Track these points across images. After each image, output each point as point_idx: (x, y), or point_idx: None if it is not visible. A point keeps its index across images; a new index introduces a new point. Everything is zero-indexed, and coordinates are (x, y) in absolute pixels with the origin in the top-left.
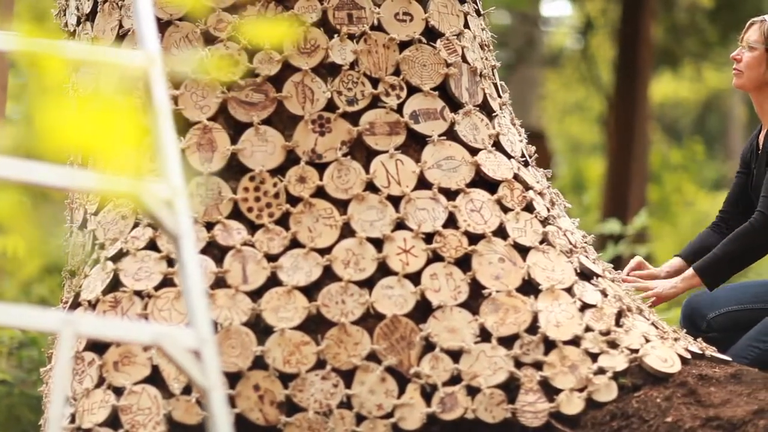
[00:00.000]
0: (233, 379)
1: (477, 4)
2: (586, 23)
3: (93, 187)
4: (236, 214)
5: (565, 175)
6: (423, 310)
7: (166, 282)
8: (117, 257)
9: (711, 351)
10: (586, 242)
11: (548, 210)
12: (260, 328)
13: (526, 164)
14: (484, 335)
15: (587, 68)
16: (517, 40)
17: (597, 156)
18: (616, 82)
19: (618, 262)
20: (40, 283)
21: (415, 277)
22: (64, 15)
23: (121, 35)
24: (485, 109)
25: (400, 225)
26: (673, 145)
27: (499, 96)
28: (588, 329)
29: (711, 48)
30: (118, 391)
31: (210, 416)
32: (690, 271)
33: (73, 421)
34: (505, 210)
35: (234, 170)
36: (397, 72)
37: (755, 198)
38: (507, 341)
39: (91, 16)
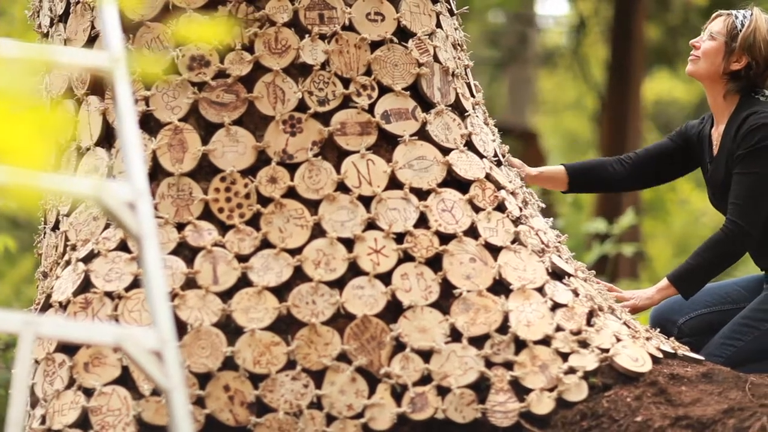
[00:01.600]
0: (203, 379)
1: (450, 4)
2: (579, 22)
3: (54, 188)
4: (207, 214)
5: None
6: (394, 310)
7: (137, 283)
8: (88, 258)
9: (683, 350)
10: (559, 242)
11: (521, 209)
12: (230, 329)
13: (498, 164)
14: (455, 335)
15: (580, 67)
16: (509, 39)
17: (593, 154)
18: (609, 81)
19: (604, 262)
20: (31, 285)
21: (385, 277)
22: (38, 16)
23: (93, 37)
24: (457, 108)
25: (371, 225)
26: None
27: (473, 95)
28: (559, 329)
29: None
30: (89, 393)
31: (171, 417)
32: (664, 281)
33: (43, 422)
34: (477, 210)
35: (205, 171)
36: (368, 72)
37: (711, 188)
38: (478, 341)
39: (64, 18)
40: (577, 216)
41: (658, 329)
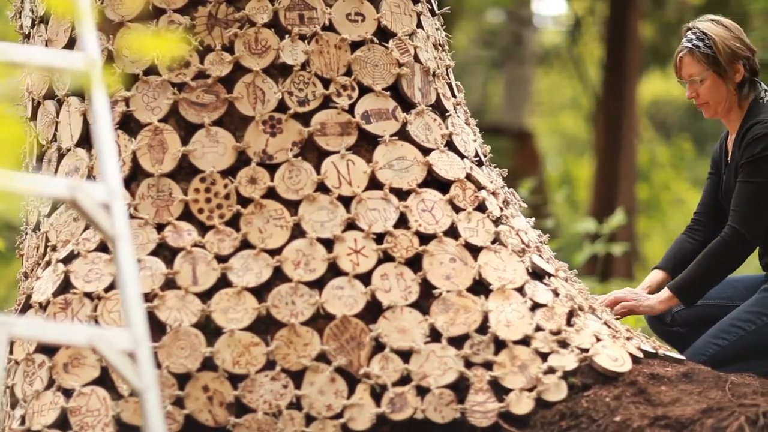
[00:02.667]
0: (182, 380)
1: (431, 4)
2: (575, 22)
3: (29, 189)
4: (187, 215)
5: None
6: (373, 311)
7: (116, 285)
8: (68, 259)
9: (664, 350)
10: (541, 241)
11: (501, 209)
12: (210, 330)
13: (480, 164)
14: (435, 335)
15: (575, 67)
16: (504, 39)
17: (590, 155)
18: (605, 80)
19: (594, 261)
20: None
21: (365, 278)
22: (20, 17)
23: (74, 38)
24: (438, 108)
25: (351, 225)
26: (664, 143)
27: (454, 96)
28: (538, 329)
29: None
30: (68, 393)
31: (145, 417)
32: (667, 291)
33: (23, 422)
34: (457, 210)
35: (185, 171)
36: (348, 72)
37: (726, 204)
38: (457, 341)
39: (45, 19)
40: (573, 216)
41: (653, 316)
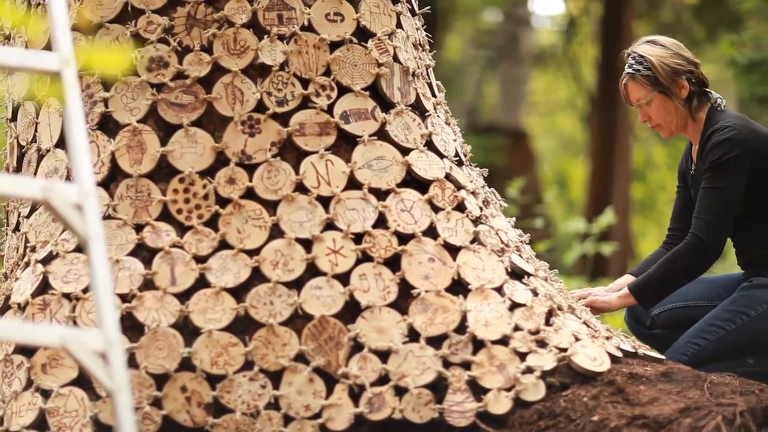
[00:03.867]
0: (160, 380)
1: (412, 4)
2: (569, 22)
3: (4, 190)
4: (166, 215)
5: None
6: (352, 311)
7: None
8: (47, 260)
9: (644, 350)
10: (522, 241)
11: (481, 209)
12: (188, 330)
13: (460, 163)
14: (413, 335)
15: (570, 67)
16: (499, 39)
17: (585, 155)
18: (599, 80)
19: (598, 262)
20: None
21: (344, 278)
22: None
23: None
24: (418, 108)
25: (329, 225)
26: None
27: (434, 95)
28: (517, 328)
29: (698, 45)
30: (46, 394)
31: (116, 418)
32: (625, 290)
33: (1, 423)
34: (436, 209)
35: (164, 172)
36: (327, 72)
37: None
38: (435, 341)
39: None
40: (569, 215)
41: (633, 318)
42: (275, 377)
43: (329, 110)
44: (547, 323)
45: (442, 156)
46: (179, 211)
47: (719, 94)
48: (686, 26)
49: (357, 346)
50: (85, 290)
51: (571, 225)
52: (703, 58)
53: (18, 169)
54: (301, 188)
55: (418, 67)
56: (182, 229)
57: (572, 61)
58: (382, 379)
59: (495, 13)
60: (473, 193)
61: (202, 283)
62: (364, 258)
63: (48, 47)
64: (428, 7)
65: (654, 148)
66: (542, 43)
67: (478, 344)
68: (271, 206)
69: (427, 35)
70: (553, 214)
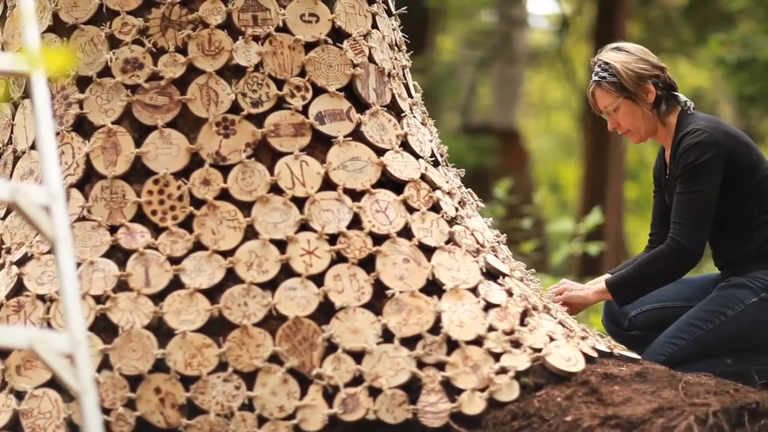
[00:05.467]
0: (134, 382)
1: (388, 5)
2: (562, 22)
3: None
4: (140, 217)
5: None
6: (326, 312)
7: None
8: (22, 261)
9: (620, 350)
10: (498, 241)
11: (457, 210)
12: (162, 331)
13: (436, 164)
14: (387, 336)
15: (563, 66)
16: (494, 39)
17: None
18: None
19: (593, 261)
20: None
21: (318, 279)
22: None
23: None
24: (393, 109)
25: (304, 226)
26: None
27: (410, 96)
28: (491, 329)
29: (687, 45)
30: (20, 395)
31: (82, 419)
32: (602, 284)
33: None
34: (411, 210)
35: (138, 173)
36: (302, 73)
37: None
38: (410, 342)
39: (1, 21)
40: (563, 215)
41: (611, 320)
42: (249, 378)
43: (304, 111)
44: (522, 323)
45: (417, 156)
46: (154, 213)
47: (686, 96)
48: (675, 26)
49: (331, 347)
50: (59, 292)
51: (558, 225)
52: (694, 59)
53: None
54: (275, 189)
55: (394, 68)
56: (157, 230)
57: (566, 60)
58: (357, 380)
59: (490, 14)
60: (449, 193)
61: (176, 284)
62: (339, 259)
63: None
64: (404, 8)
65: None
66: (537, 42)
67: (452, 345)
68: (246, 207)
69: (417, 36)
70: (547, 214)
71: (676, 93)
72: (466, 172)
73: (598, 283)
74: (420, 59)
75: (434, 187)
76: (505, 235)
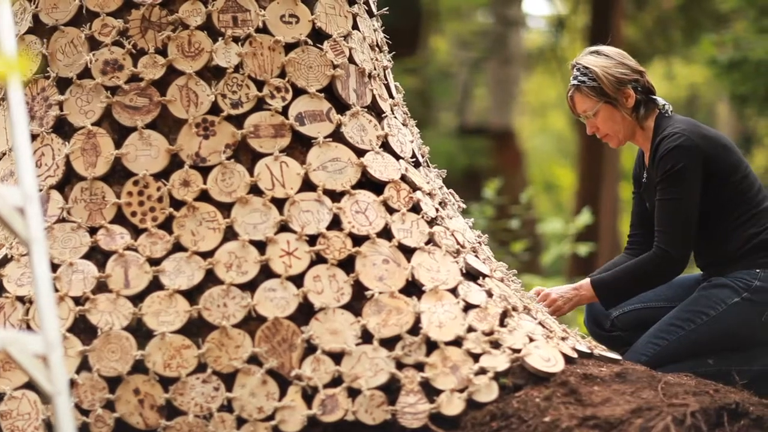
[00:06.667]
0: (113, 383)
1: (369, 5)
2: (557, 22)
3: None
4: (120, 218)
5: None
6: (305, 312)
7: None
8: (1, 263)
9: (600, 350)
10: (480, 242)
11: (437, 210)
12: (141, 333)
13: (417, 165)
14: (366, 337)
15: (558, 67)
16: (488, 39)
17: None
18: None
19: (587, 261)
20: None
21: (298, 280)
22: None
23: None
24: (374, 110)
25: (284, 227)
26: None
27: (391, 97)
28: (471, 329)
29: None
30: None
31: (56, 421)
32: (587, 281)
33: None
34: (391, 211)
35: (118, 175)
36: (282, 74)
37: (651, 213)
38: (389, 342)
39: None
40: (558, 216)
41: (593, 321)
42: (228, 379)
43: (284, 112)
44: (502, 324)
45: (398, 157)
46: (133, 214)
47: (665, 100)
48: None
49: (310, 348)
50: None
51: (549, 225)
52: (689, 59)
53: None
54: (255, 190)
55: (375, 69)
56: (136, 231)
57: (561, 60)
58: (336, 381)
59: (486, 14)
60: (429, 194)
61: (155, 285)
62: (318, 260)
63: None
64: (386, 8)
65: None
66: (532, 43)
67: (431, 345)
68: (226, 208)
69: (410, 37)
70: (542, 214)
71: (654, 97)
72: (460, 173)
73: (583, 282)
74: (413, 60)
75: (414, 187)
76: (486, 236)
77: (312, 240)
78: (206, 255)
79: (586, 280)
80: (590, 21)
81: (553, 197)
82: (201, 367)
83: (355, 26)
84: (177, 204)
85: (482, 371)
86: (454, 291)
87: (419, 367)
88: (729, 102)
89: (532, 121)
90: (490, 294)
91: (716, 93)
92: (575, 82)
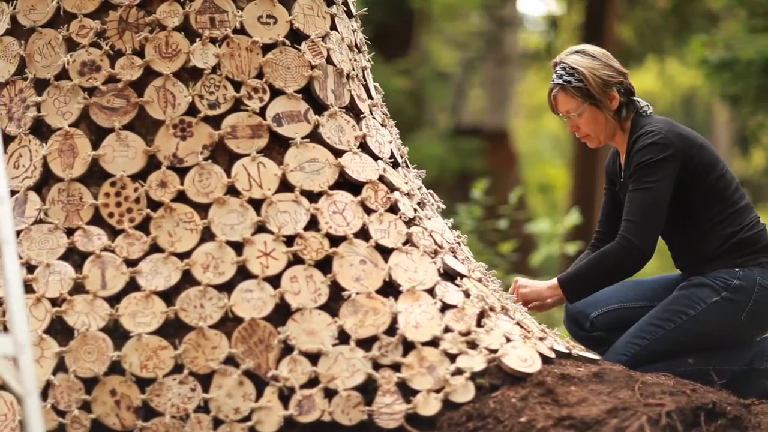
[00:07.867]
0: (90, 384)
1: (348, 6)
2: (551, 22)
3: None
4: (97, 219)
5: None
6: (282, 313)
7: (25, 289)
8: None
9: (578, 350)
10: (459, 242)
11: (415, 211)
12: (118, 334)
13: (395, 165)
14: (343, 337)
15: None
16: (482, 40)
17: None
18: None
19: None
20: None
21: (274, 280)
22: None
23: None
24: (352, 110)
25: (261, 228)
26: None
27: (370, 97)
28: (447, 330)
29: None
30: None
31: (25, 422)
32: (554, 280)
33: None
34: (369, 211)
35: (96, 176)
36: (260, 75)
37: None
38: (366, 343)
39: None
40: (552, 216)
41: (572, 322)
42: (205, 380)
43: (262, 113)
44: (479, 324)
45: (376, 158)
46: (111, 215)
47: (645, 101)
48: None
49: (287, 349)
50: None
51: (537, 225)
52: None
53: None
54: (232, 191)
55: (354, 69)
56: (113, 232)
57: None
58: (312, 382)
59: (481, 15)
60: (408, 194)
61: (132, 286)
62: (296, 260)
63: None
64: (365, 9)
65: None
66: (527, 43)
67: (408, 346)
68: (203, 209)
69: (403, 37)
70: (535, 214)
71: (635, 98)
72: (453, 174)
73: (552, 280)
74: (406, 61)
75: (392, 188)
76: (464, 237)
77: (289, 241)
78: (183, 256)
79: (554, 279)
80: (584, 21)
81: (549, 198)
82: (178, 368)
83: (333, 27)
84: (154, 205)
85: (459, 371)
86: (431, 291)
87: (396, 367)
88: (721, 102)
89: (527, 122)
90: (467, 294)
91: (714, 93)
92: (560, 81)
